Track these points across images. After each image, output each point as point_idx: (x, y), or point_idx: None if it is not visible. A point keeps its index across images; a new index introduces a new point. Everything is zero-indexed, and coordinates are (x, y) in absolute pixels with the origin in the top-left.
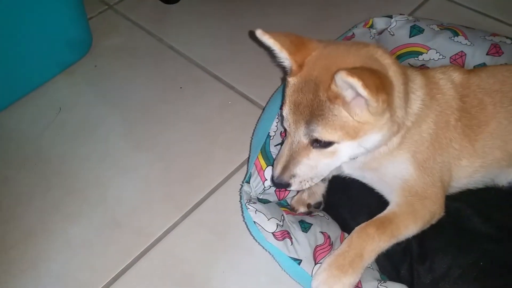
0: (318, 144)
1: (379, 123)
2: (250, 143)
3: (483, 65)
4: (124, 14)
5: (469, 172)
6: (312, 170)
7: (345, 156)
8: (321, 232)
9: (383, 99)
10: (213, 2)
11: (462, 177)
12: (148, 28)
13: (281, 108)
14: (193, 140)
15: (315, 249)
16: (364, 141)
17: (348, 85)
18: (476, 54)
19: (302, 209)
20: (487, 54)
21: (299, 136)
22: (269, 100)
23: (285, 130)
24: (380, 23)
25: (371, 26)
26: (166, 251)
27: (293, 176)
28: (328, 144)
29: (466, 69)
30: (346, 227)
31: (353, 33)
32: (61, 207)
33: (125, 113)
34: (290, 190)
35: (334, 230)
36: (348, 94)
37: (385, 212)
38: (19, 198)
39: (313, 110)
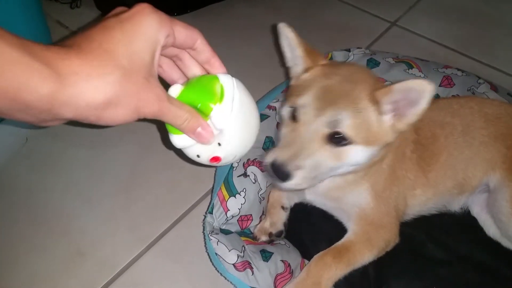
0: (336, 139)
1: (390, 141)
2: (215, 173)
3: (436, 96)
4: None
5: (422, 200)
6: (317, 169)
7: (350, 162)
8: (282, 261)
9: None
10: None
11: (416, 205)
12: None
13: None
14: (159, 169)
15: (275, 277)
16: (370, 154)
17: (405, 96)
18: None
19: (264, 238)
20: (439, 86)
21: (318, 125)
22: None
23: (292, 117)
24: (339, 56)
25: (331, 59)
26: (131, 282)
27: (299, 168)
28: (345, 142)
29: None
30: (307, 254)
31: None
32: (25, 239)
33: (91, 143)
34: (284, 187)
35: (294, 257)
36: (388, 107)
37: (343, 240)
38: None
39: (347, 101)
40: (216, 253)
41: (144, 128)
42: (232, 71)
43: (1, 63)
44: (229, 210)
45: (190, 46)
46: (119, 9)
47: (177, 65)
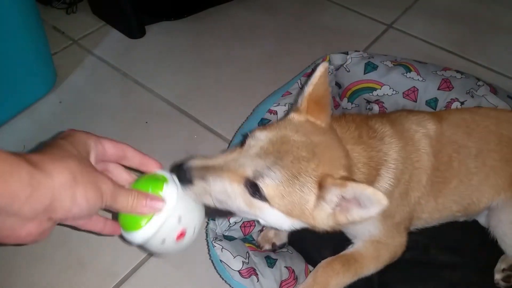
0: (251, 188)
1: (322, 226)
2: None
3: (435, 99)
4: (88, 49)
5: (427, 221)
6: (224, 197)
7: (263, 219)
8: (286, 267)
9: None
10: (177, 36)
11: (419, 224)
12: (113, 62)
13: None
14: None
15: (280, 284)
16: (292, 223)
17: (355, 197)
18: (428, 89)
19: (267, 247)
20: (438, 89)
21: (247, 164)
22: (235, 132)
23: (242, 142)
24: (336, 59)
25: (328, 62)
26: None
27: (204, 179)
28: (260, 197)
29: (437, 114)
30: (311, 260)
31: (313, 70)
32: (24, 249)
33: None
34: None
35: (298, 263)
36: (333, 199)
37: (351, 250)
38: None
39: (290, 165)
40: (220, 260)
41: (144, 134)
42: (229, 74)
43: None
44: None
45: (122, 156)
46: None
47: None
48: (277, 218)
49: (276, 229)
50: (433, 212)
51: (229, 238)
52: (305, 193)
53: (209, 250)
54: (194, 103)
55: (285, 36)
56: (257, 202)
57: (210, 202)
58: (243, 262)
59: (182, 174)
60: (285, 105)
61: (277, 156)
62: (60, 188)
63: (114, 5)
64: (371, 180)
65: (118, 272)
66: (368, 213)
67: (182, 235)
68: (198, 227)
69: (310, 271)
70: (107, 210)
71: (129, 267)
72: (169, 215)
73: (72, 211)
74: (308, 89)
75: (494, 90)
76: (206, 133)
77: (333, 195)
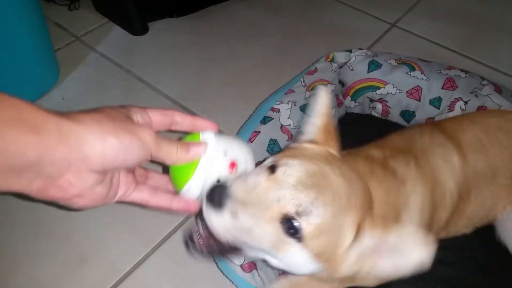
0: (288, 223)
1: (343, 272)
2: None
3: (439, 99)
4: (91, 45)
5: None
6: (247, 236)
7: (282, 260)
8: None
9: None
10: (180, 33)
11: None
12: (116, 59)
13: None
14: (162, 172)
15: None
16: (312, 269)
17: (397, 250)
18: (431, 89)
19: None
20: (442, 88)
21: (289, 195)
22: (238, 131)
23: (271, 168)
24: (340, 57)
25: (332, 60)
26: (136, 286)
27: (235, 212)
28: (296, 235)
29: (454, 137)
30: None
31: (316, 68)
32: (28, 244)
33: None
34: (206, 217)
35: None
36: (369, 244)
37: None
38: None
39: (333, 199)
40: None
41: None
42: (232, 73)
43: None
44: None
45: (170, 123)
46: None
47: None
48: (301, 261)
49: (289, 273)
50: (442, 234)
51: None
52: (343, 235)
53: None
54: (197, 100)
55: (288, 34)
56: (290, 242)
57: (226, 238)
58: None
59: (215, 195)
60: (288, 103)
61: (319, 191)
62: (88, 133)
63: (117, 2)
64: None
65: (121, 267)
66: (403, 268)
67: (233, 165)
68: (250, 159)
69: None
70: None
71: (132, 262)
72: (213, 152)
73: (107, 155)
74: (321, 119)
75: (498, 89)
76: None
77: (370, 239)
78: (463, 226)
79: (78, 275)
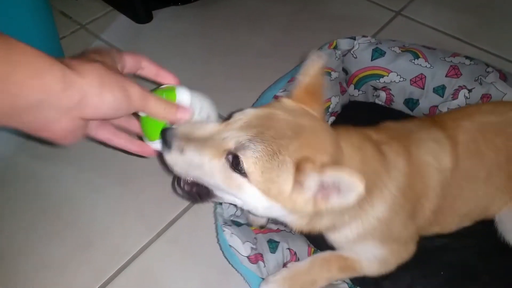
0: (232, 160)
1: (300, 212)
2: None
3: (442, 87)
4: (96, 33)
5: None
6: (199, 171)
7: (241, 199)
8: (288, 249)
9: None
10: (183, 22)
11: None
12: (120, 47)
13: None
14: None
15: (284, 265)
16: (271, 207)
17: (334, 183)
18: (435, 76)
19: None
20: (446, 76)
21: (232, 136)
22: None
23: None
24: (343, 44)
25: (335, 47)
26: (141, 270)
27: (181, 151)
28: (239, 170)
29: (451, 134)
30: (314, 242)
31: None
32: (35, 227)
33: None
34: (160, 152)
35: (300, 246)
36: (311, 185)
37: (353, 258)
38: None
39: (271, 140)
40: (230, 245)
41: None
42: (236, 61)
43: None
44: None
45: (138, 67)
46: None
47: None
48: (254, 198)
49: (253, 214)
50: (436, 230)
51: (237, 224)
52: (283, 173)
53: (217, 234)
54: (201, 88)
55: (292, 23)
56: (237, 178)
57: (182, 174)
58: (251, 248)
59: (166, 137)
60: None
61: (260, 130)
62: (89, 86)
63: None
64: None
65: (127, 251)
66: (346, 201)
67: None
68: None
69: (314, 253)
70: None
71: (138, 246)
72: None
73: (101, 108)
74: (302, 78)
75: (504, 76)
76: None
77: (311, 181)
78: (459, 222)
79: (84, 258)
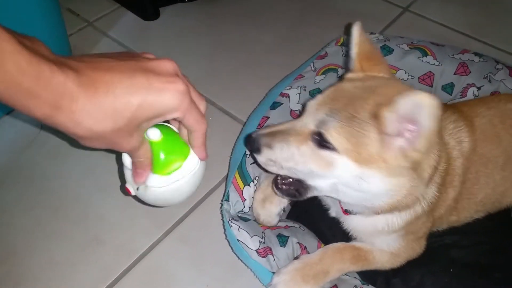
0: (317, 138)
1: (398, 171)
2: (229, 161)
3: (451, 84)
4: (103, 30)
5: (446, 226)
6: (291, 161)
7: (335, 176)
8: (298, 243)
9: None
10: (191, 19)
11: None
12: (128, 44)
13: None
14: None
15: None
16: (367, 177)
17: (411, 116)
18: (444, 74)
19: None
20: (454, 74)
21: (309, 120)
22: (249, 116)
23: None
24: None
25: (343, 44)
26: (150, 267)
27: (270, 147)
28: (326, 146)
29: (468, 116)
30: (324, 239)
31: (326, 52)
32: (43, 225)
33: None
34: (254, 156)
35: (310, 240)
36: (392, 126)
37: (366, 248)
38: (1, 216)
39: (346, 107)
40: (238, 240)
41: None
42: (243, 58)
43: (5, 86)
44: (245, 199)
45: (189, 130)
46: (164, 65)
47: None
48: (348, 170)
49: (347, 200)
50: (453, 222)
51: (244, 219)
52: (365, 131)
53: (225, 230)
54: (209, 85)
55: (299, 19)
56: (327, 155)
57: (278, 171)
58: (260, 242)
59: (250, 143)
60: (297, 88)
61: (333, 103)
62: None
63: None
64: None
65: (135, 249)
66: (425, 126)
67: (129, 192)
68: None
69: None
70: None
71: (146, 244)
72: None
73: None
74: (355, 49)
75: None
76: (220, 114)
77: (390, 120)
78: (474, 211)
79: (93, 256)
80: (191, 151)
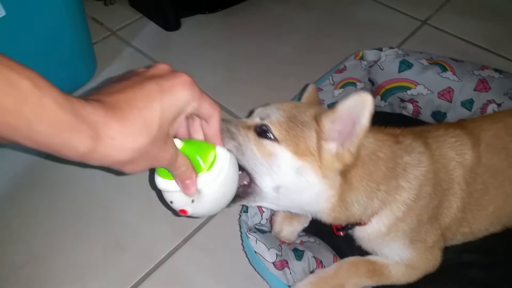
0: (259, 130)
1: (328, 171)
2: None
3: (470, 101)
4: (126, 40)
5: (460, 240)
6: (240, 137)
7: (278, 171)
8: (313, 257)
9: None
10: (211, 30)
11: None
12: (150, 54)
13: None
14: None
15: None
16: (303, 170)
17: (352, 113)
18: (463, 90)
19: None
20: (474, 90)
21: (255, 115)
22: None
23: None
24: (370, 55)
25: (362, 58)
26: (169, 273)
27: (229, 130)
28: (270, 136)
29: (473, 133)
30: (340, 253)
31: (345, 66)
32: (67, 229)
33: None
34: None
35: (326, 254)
36: (332, 128)
37: (381, 262)
38: (27, 219)
39: (291, 109)
40: (255, 252)
41: None
42: (261, 68)
43: (47, 122)
44: (263, 212)
45: (205, 119)
46: (161, 68)
47: (186, 122)
48: (287, 161)
49: (294, 198)
50: (467, 235)
51: (262, 231)
52: (305, 129)
53: (242, 241)
54: (227, 95)
55: (318, 31)
56: (267, 144)
57: (232, 145)
58: (276, 255)
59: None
60: None
61: (278, 106)
62: (110, 163)
63: None
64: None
65: (155, 255)
66: (362, 122)
67: (185, 212)
68: (207, 215)
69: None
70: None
71: (166, 251)
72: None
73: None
74: (304, 97)
75: None
76: None
77: (329, 125)
78: (489, 224)
79: (114, 261)
80: (215, 150)
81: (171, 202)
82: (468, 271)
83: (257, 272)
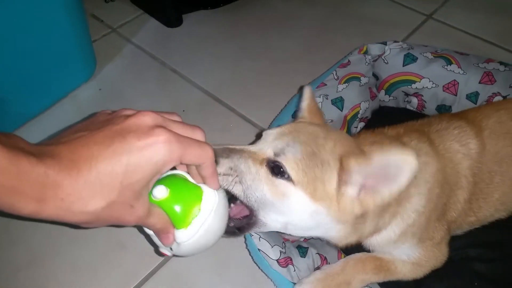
0: (272, 166)
1: (347, 215)
2: None
3: (476, 93)
4: (127, 37)
5: (467, 228)
6: (248, 175)
7: (287, 210)
8: (318, 254)
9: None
10: (213, 26)
11: (459, 232)
12: (151, 51)
13: None
14: None
15: (315, 270)
16: (317, 214)
17: (390, 169)
18: (468, 83)
19: None
20: (479, 83)
21: (265, 146)
22: (270, 124)
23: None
24: (374, 49)
25: (366, 52)
26: (172, 273)
27: (229, 158)
28: (282, 175)
29: (475, 122)
30: (345, 249)
31: (349, 60)
32: (67, 230)
33: None
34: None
35: (330, 251)
36: (358, 178)
37: (388, 259)
38: (25, 220)
39: (308, 141)
40: (259, 249)
41: None
42: (266, 65)
43: None
44: None
45: (196, 166)
46: (139, 122)
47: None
48: (300, 204)
49: (294, 234)
50: (473, 223)
51: None
52: (326, 171)
53: (245, 239)
54: (230, 92)
55: (322, 26)
56: (280, 184)
57: (238, 189)
58: (280, 252)
59: None
60: (319, 97)
61: (295, 135)
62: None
63: None
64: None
65: (156, 255)
66: (398, 184)
67: (164, 254)
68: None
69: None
70: None
71: None
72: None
73: None
74: (304, 104)
75: None
76: (241, 122)
77: (356, 174)
78: (494, 210)
79: (115, 261)
80: (204, 189)
81: (154, 241)
82: (473, 265)
83: (261, 270)
